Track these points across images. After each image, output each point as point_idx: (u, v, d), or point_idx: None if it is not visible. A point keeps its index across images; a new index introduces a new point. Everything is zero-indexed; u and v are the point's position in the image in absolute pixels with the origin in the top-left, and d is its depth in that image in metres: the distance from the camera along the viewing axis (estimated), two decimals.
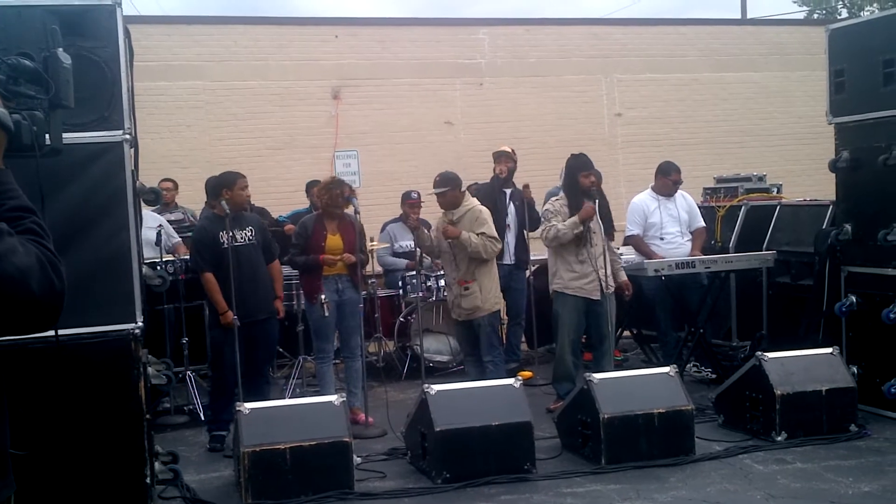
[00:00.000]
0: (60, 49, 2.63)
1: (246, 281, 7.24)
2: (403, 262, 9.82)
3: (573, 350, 7.97)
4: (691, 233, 9.08)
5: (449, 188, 7.87)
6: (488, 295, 7.88)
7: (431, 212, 10.15)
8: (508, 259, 9.19)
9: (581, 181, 7.86)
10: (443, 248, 8.02)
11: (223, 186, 7.42)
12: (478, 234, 7.71)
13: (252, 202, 10.49)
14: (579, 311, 7.89)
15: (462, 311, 7.90)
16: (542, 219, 8.18)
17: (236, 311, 7.19)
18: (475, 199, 8.13)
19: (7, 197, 2.16)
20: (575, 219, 7.75)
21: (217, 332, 7.40)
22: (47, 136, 2.41)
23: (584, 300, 7.84)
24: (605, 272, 7.76)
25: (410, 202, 9.90)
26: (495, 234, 7.93)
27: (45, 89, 2.51)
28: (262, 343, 7.52)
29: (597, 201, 7.80)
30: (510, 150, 9.50)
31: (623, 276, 8.09)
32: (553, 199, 8.25)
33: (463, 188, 8.11)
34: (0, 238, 1.99)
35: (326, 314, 7.68)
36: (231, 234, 7.33)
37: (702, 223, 9.20)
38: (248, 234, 7.43)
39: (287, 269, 8.94)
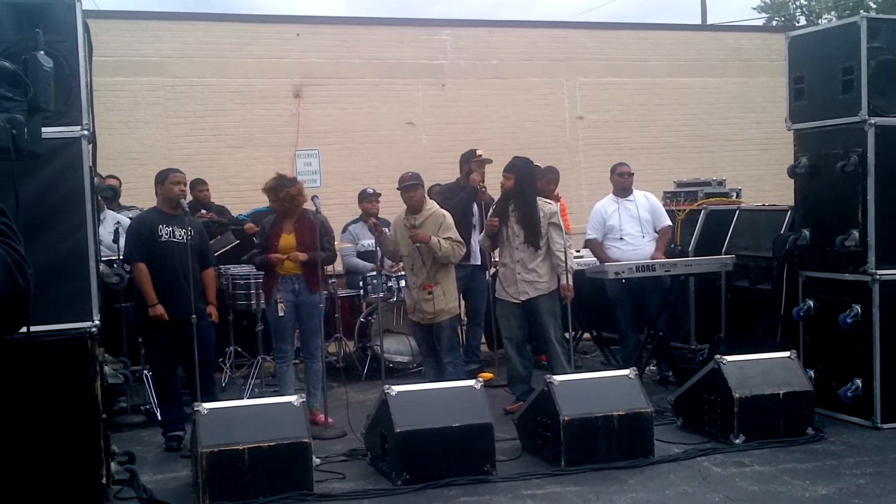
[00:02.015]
0: (42, 52, 2.59)
1: (180, 278, 7.16)
2: (370, 265, 9.75)
3: (518, 351, 8.00)
4: (658, 232, 9.10)
5: (420, 183, 7.91)
6: (450, 298, 7.89)
7: (389, 209, 10.13)
8: (474, 260, 9.19)
9: (503, 183, 7.99)
10: (402, 251, 7.99)
11: (157, 184, 7.47)
12: (445, 239, 7.71)
13: (212, 200, 10.46)
14: (513, 313, 7.95)
15: (425, 315, 7.86)
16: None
17: (166, 308, 7.17)
18: (434, 201, 8.14)
19: None
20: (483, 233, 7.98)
21: (146, 334, 7.38)
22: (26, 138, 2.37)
23: (514, 303, 7.89)
24: (531, 277, 7.82)
25: (368, 198, 9.89)
26: (461, 239, 7.95)
27: (24, 92, 2.47)
28: (198, 344, 7.36)
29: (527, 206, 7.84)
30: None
31: (563, 280, 7.96)
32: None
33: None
34: None
35: (281, 314, 7.65)
36: (171, 229, 7.30)
37: (666, 222, 9.20)
38: (189, 234, 7.37)
39: (247, 268, 8.90)
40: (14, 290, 2.00)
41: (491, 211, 8.11)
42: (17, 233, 2.12)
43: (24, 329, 2.11)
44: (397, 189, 7.97)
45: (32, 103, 2.49)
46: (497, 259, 9.47)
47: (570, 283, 7.95)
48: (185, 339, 7.17)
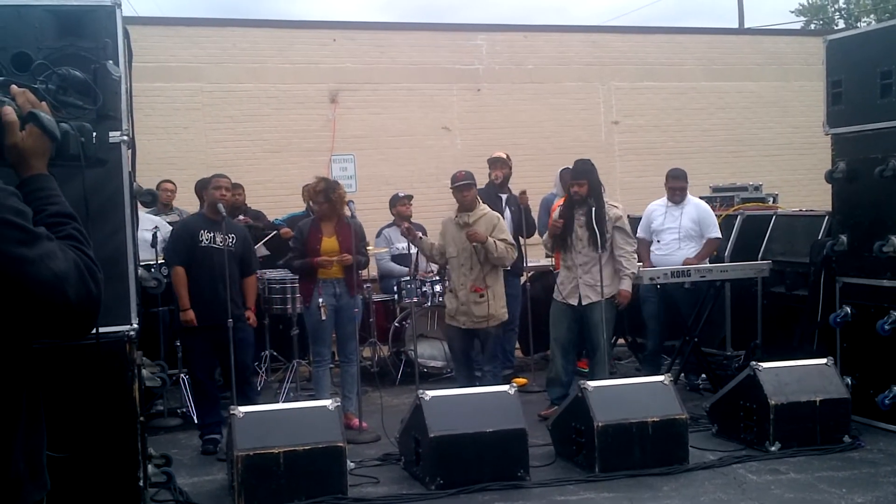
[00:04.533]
0: (110, 62, 2.64)
1: (218, 283, 7.20)
2: (404, 269, 9.78)
3: (564, 355, 7.97)
4: (704, 242, 8.98)
5: (473, 182, 7.92)
6: (500, 303, 7.87)
7: (422, 213, 10.16)
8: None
9: (571, 190, 7.88)
10: (448, 252, 7.97)
11: (202, 189, 7.53)
12: (500, 240, 7.72)
13: (248, 205, 10.53)
14: (566, 316, 7.91)
15: (472, 319, 7.81)
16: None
17: (203, 312, 7.23)
18: (486, 204, 8.13)
19: (49, 202, 2.19)
20: (547, 233, 7.83)
21: (183, 337, 7.44)
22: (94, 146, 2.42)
23: (568, 306, 7.85)
24: (592, 280, 7.77)
25: (401, 200, 9.92)
26: (513, 242, 7.95)
27: (94, 100, 2.52)
28: (235, 348, 7.42)
29: (593, 210, 7.75)
30: (505, 156, 9.50)
31: (623, 285, 7.93)
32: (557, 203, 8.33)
33: None
34: (39, 242, 2.00)
35: (324, 318, 7.67)
36: (212, 235, 7.35)
37: (714, 234, 9.00)
38: (230, 240, 7.42)
39: (283, 273, 8.94)
40: (87, 294, 2.05)
41: (555, 213, 8.07)
42: (87, 238, 2.18)
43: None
44: (450, 188, 7.94)
45: (101, 111, 2.55)
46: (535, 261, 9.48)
47: (629, 289, 7.95)
48: (223, 342, 7.23)
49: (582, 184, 7.81)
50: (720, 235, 9.11)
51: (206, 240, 7.36)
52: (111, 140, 5.21)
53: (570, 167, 8.40)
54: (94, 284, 2.08)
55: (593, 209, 7.76)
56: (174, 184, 10.60)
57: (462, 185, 7.84)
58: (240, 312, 7.47)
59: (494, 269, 7.83)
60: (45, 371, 4.58)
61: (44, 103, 2.27)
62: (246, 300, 7.64)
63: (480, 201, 8.03)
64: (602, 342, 7.86)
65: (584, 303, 7.80)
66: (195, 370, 7.50)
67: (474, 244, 7.68)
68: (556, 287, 8.06)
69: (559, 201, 8.60)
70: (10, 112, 2.17)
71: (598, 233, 7.73)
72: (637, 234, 8.98)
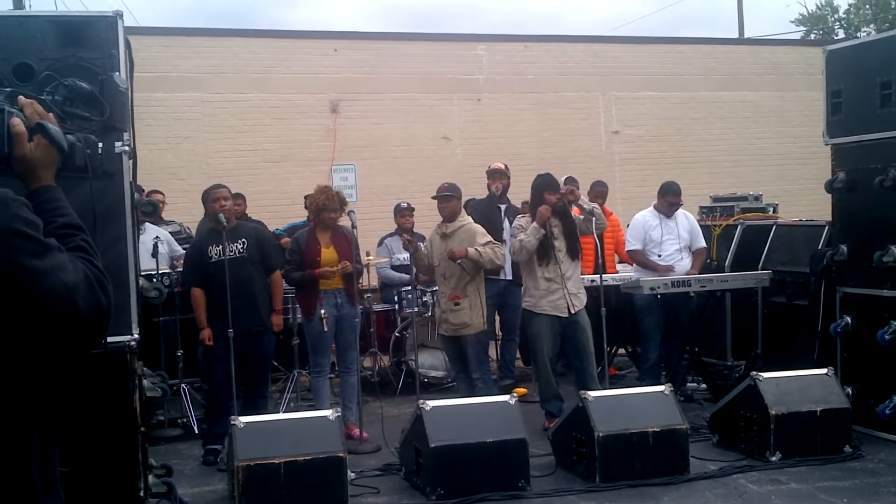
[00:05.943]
0: (117, 73, 2.65)
1: (234, 295, 7.17)
2: (404, 276, 9.78)
3: (553, 368, 7.97)
4: (693, 252, 9.05)
5: (455, 195, 7.97)
6: (477, 313, 7.87)
7: (424, 223, 10.18)
8: (504, 275, 9.15)
9: (547, 199, 7.86)
10: (433, 260, 8.03)
11: (203, 203, 7.54)
12: (482, 246, 7.74)
13: (248, 215, 10.54)
14: (551, 328, 7.88)
15: (450, 326, 7.89)
16: (510, 236, 8.28)
17: (223, 325, 7.20)
18: (470, 217, 8.17)
19: (58, 214, 2.19)
20: (535, 224, 7.79)
21: (208, 348, 7.41)
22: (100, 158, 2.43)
23: (555, 318, 7.84)
24: (575, 289, 7.83)
25: (402, 212, 9.95)
26: (496, 241, 7.98)
27: (100, 112, 2.53)
28: (254, 358, 7.44)
29: (568, 220, 7.86)
30: (503, 167, 9.51)
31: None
32: (520, 216, 8.31)
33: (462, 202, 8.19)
34: (50, 254, 2.01)
35: (325, 329, 7.67)
36: (221, 247, 7.32)
37: (702, 244, 9.18)
38: (240, 246, 7.41)
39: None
40: (97, 305, 2.05)
41: (519, 222, 8.08)
42: (95, 249, 2.18)
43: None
44: (432, 198, 8.03)
45: (108, 123, 2.55)
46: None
47: None
48: (244, 351, 7.26)
49: (564, 193, 7.89)
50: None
51: (215, 254, 7.34)
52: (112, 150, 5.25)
53: (569, 176, 8.44)
54: (103, 296, 2.09)
55: (568, 219, 7.87)
56: (163, 193, 10.57)
57: (441, 197, 7.96)
58: (264, 322, 7.47)
59: (473, 281, 7.87)
60: (53, 383, 4.59)
61: (51, 114, 2.28)
62: (273, 301, 7.61)
63: (465, 213, 8.09)
64: (589, 348, 7.87)
65: (573, 311, 7.82)
66: (213, 380, 7.46)
67: (459, 261, 7.72)
68: (534, 301, 7.92)
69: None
70: (18, 123, 2.18)
71: (573, 241, 7.88)
72: (631, 245, 8.99)
